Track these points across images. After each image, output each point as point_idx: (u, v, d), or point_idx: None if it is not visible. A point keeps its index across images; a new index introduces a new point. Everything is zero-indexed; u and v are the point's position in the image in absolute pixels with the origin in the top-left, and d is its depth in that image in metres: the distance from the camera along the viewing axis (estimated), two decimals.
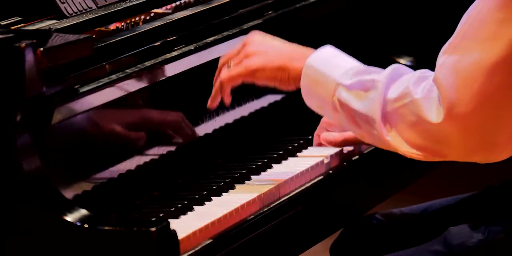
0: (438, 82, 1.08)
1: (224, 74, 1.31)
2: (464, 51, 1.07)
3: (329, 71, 1.16)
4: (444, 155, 1.12)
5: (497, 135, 1.08)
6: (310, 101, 1.19)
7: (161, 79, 1.41)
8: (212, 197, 1.34)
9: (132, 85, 1.35)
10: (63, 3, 1.39)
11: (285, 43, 1.32)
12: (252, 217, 1.29)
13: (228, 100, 1.31)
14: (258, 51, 1.22)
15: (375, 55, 2.00)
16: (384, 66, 1.93)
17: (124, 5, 1.47)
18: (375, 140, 1.18)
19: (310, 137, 1.54)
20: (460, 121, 1.06)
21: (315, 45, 1.86)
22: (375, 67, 1.22)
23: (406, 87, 1.12)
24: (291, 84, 1.25)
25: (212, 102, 1.34)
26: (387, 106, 1.12)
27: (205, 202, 1.33)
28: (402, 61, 2.00)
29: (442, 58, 1.10)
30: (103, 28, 1.45)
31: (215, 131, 1.56)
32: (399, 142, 1.12)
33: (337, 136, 1.44)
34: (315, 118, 1.50)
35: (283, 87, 1.28)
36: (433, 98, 1.08)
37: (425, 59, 2.02)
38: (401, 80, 1.14)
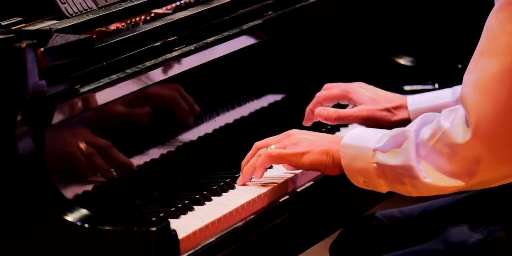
0: (464, 101, 1.09)
1: (272, 150, 1.30)
2: (483, 67, 1.08)
3: (364, 143, 1.18)
4: (479, 174, 1.12)
5: None
6: (356, 179, 1.20)
7: (161, 79, 1.41)
8: (212, 197, 1.35)
9: (133, 85, 1.35)
10: (63, 3, 1.39)
11: (324, 133, 1.34)
12: (252, 217, 1.29)
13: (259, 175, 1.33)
14: (305, 138, 1.25)
15: (374, 55, 2.01)
16: (384, 66, 1.94)
17: (124, 5, 1.47)
18: (420, 191, 1.19)
19: None
20: (487, 135, 1.07)
21: (315, 45, 1.87)
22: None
23: (437, 123, 1.13)
24: (336, 168, 1.25)
25: (243, 180, 1.35)
26: (422, 148, 1.14)
27: (205, 202, 1.33)
28: (401, 61, 2.00)
29: (465, 78, 1.11)
30: (103, 28, 1.45)
31: (215, 131, 1.57)
32: (440, 179, 1.13)
33: (331, 111, 1.45)
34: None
35: (329, 172, 1.28)
36: (460, 123, 1.10)
37: (425, 59, 2.02)
38: (433, 122, 1.16)
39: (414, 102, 1.49)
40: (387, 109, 1.47)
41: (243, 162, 1.35)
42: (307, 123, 1.50)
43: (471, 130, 1.08)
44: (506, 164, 1.11)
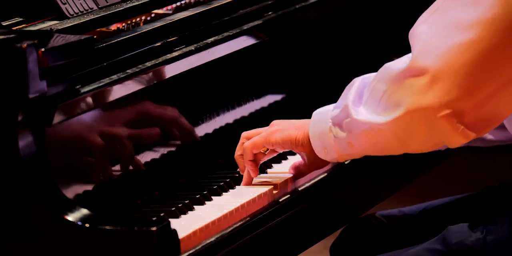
0: (414, 36, 1.10)
1: (248, 142, 1.33)
2: (446, 12, 1.10)
3: (331, 107, 1.20)
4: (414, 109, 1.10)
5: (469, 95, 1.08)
6: (318, 148, 1.21)
7: (162, 79, 1.42)
8: (212, 197, 1.35)
9: (133, 85, 1.35)
10: (64, 3, 1.39)
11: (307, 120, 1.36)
12: (252, 216, 1.30)
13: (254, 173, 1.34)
14: (279, 124, 1.26)
15: (374, 55, 2.01)
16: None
17: (125, 5, 1.48)
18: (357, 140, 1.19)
19: None
20: (421, 71, 1.08)
21: (315, 45, 1.87)
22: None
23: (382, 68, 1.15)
24: (306, 143, 1.26)
25: (245, 181, 1.36)
26: (365, 93, 1.15)
27: (206, 202, 1.33)
28: None
29: (424, 16, 1.13)
30: (104, 29, 1.45)
31: (215, 131, 1.57)
32: (368, 116, 1.13)
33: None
34: None
35: (299, 148, 1.29)
36: (406, 61, 1.11)
37: None
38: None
39: None
40: None
41: (235, 156, 1.37)
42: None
43: (409, 61, 1.08)
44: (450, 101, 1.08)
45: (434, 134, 1.09)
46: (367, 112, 1.13)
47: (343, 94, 1.23)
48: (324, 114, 1.23)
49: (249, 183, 1.35)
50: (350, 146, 1.18)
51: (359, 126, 1.14)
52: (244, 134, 1.37)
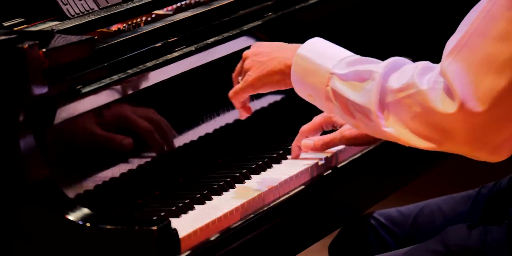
0: (449, 76, 1.07)
1: (230, 94, 1.35)
2: (475, 48, 1.07)
3: (321, 60, 1.17)
4: (447, 147, 1.12)
5: (499, 133, 1.09)
6: (301, 89, 1.20)
7: (162, 80, 1.42)
8: (212, 196, 1.36)
9: (134, 86, 1.36)
10: (65, 4, 1.40)
11: (279, 45, 1.33)
12: (252, 215, 1.30)
13: (244, 114, 1.36)
14: (253, 62, 1.25)
15: (373, 56, 2.02)
16: None
17: (125, 6, 1.48)
18: (371, 130, 1.18)
19: None
20: (470, 115, 1.06)
21: None
22: (370, 58, 1.22)
23: (410, 78, 1.11)
24: (289, 82, 1.26)
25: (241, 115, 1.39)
26: (387, 96, 1.12)
27: (206, 201, 1.34)
28: None
29: (452, 54, 1.09)
30: (105, 29, 1.46)
31: (215, 131, 1.58)
32: (402, 132, 1.12)
33: (316, 141, 1.45)
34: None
35: (283, 88, 1.29)
36: (440, 90, 1.08)
37: (423, 60, 2.03)
38: (402, 70, 1.14)
39: None
40: None
41: (233, 75, 1.40)
42: (296, 158, 1.50)
43: (456, 105, 1.07)
44: (479, 149, 1.10)
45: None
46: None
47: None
48: (318, 67, 1.19)
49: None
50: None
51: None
52: (233, 74, 1.39)
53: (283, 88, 1.30)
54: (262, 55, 1.29)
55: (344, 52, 1.23)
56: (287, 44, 1.31)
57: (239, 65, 1.36)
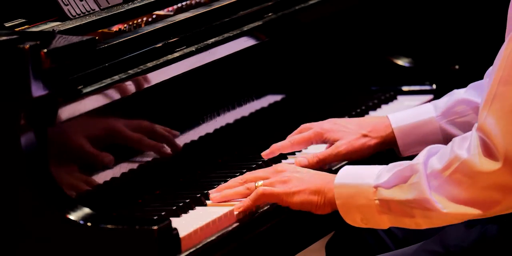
0: (487, 132, 1.08)
1: (265, 189, 1.27)
2: (505, 97, 1.08)
3: (361, 180, 1.17)
4: (504, 202, 1.13)
5: None
6: (352, 219, 1.18)
7: (163, 80, 1.43)
8: None
9: (135, 86, 1.36)
10: (66, 5, 1.40)
11: (316, 171, 1.31)
12: (253, 215, 1.30)
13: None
14: (294, 176, 1.23)
15: (373, 56, 2.02)
16: (382, 66, 1.95)
17: (126, 7, 1.49)
18: (433, 221, 1.18)
19: None
20: None
21: (314, 46, 1.88)
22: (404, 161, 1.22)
23: (451, 153, 1.12)
24: (327, 207, 1.22)
25: (220, 199, 1.33)
26: (435, 180, 1.12)
27: (206, 201, 1.34)
28: (399, 62, 2.01)
29: (485, 109, 1.10)
30: (106, 30, 1.46)
31: (216, 131, 1.58)
32: (457, 208, 1.13)
33: (310, 158, 1.42)
34: (316, 117, 1.52)
35: (319, 212, 1.25)
36: (477, 152, 1.09)
37: (422, 60, 2.04)
38: (440, 152, 1.15)
39: (396, 120, 1.48)
40: (364, 135, 1.45)
41: (224, 187, 1.34)
42: (268, 157, 1.48)
43: (501, 159, 1.07)
44: None
45: None
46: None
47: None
48: (361, 188, 1.18)
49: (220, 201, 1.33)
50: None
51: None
52: (246, 176, 1.33)
53: (318, 212, 1.25)
54: (301, 173, 1.24)
55: (378, 166, 1.21)
56: (315, 171, 1.29)
57: (266, 173, 1.31)
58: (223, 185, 1.36)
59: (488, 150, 1.08)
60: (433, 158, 1.14)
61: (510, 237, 1.31)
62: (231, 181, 1.35)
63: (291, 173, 1.26)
